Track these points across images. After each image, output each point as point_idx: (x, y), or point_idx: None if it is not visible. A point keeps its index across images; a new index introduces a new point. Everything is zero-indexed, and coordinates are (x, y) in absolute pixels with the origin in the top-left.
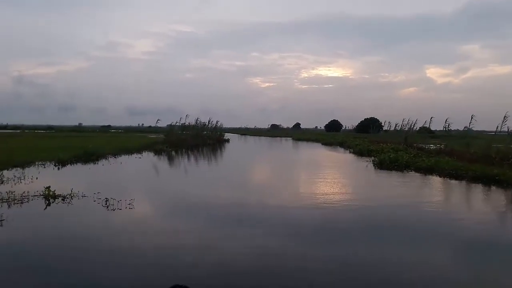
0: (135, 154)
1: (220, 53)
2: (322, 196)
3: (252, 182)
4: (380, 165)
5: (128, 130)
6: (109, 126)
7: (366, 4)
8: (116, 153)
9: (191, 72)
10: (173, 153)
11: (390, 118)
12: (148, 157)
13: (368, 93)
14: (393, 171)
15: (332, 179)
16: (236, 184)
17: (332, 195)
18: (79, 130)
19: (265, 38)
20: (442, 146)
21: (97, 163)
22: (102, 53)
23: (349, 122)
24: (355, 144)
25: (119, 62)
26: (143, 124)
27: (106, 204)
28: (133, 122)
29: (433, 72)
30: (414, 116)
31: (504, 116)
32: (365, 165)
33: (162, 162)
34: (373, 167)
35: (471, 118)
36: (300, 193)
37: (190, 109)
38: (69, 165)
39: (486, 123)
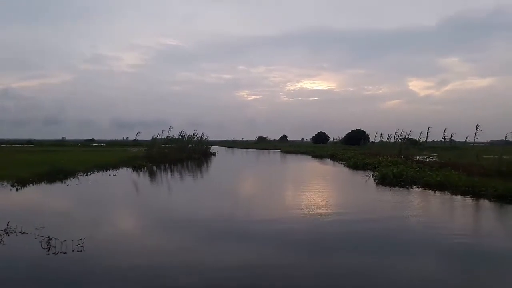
0: (110, 170)
1: (207, 66)
2: (330, 227)
3: (247, 210)
4: (383, 181)
5: (112, 143)
6: (92, 140)
7: (349, 18)
8: (89, 169)
9: (178, 85)
10: (154, 168)
11: (375, 130)
12: (124, 174)
13: (352, 106)
14: (397, 188)
15: (335, 201)
16: (224, 216)
17: (342, 224)
18: (59, 144)
19: (252, 51)
20: (435, 158)
21: (64, 182)
22: (88, 66)
23: (335, 134)
24: (347, 157)
25: (105, 75)
26: (128, 137)
27: (47, 245)
28: (119, 135)
29: (416, 85)
30: (398, 127)
31: None
32: (365, 180)
33: (137, 181)
34: (374, 183)
35: (476, 128)
36: (302, 219)
37: (177, 122)
38: (31, 184)
39: (466, 135)
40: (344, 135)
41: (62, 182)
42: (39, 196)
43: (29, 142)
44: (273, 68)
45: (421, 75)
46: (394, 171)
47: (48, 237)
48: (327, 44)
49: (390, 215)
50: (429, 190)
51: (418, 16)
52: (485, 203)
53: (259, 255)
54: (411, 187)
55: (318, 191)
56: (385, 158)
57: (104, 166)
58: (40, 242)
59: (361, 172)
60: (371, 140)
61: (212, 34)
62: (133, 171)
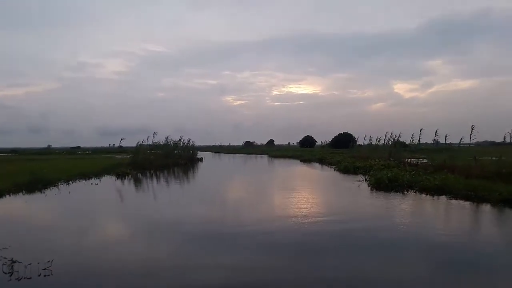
0: (93, 179)
1: (192, 72)
2: (330, 236)
3: (239, 220)
4: (377, 185)
5: (97, 151)
6: (78, 147)
7: (333, 22)
8: (71, 178)
9: (163, 91)
10: (139, 176)
11: (361, 133)
12: (106, 182)
13: (338, 109)
14: (393, 192)
15: (331, 208)
16: (212, 229)
17: (342, 233)
18: (44, 152)
19: (237, 57)
20: (425, 161)
21: (43, 193)
22: (72, 74)
23: (322, 137)
24: (337, 161)
25: (89, 83)
26: (114, 144)
27: (10, 269)
28: (105, 142)
29: (400, 88)
30: (384, 130)
31: None
32: (358, 185)
33: (120, 190)
34: (367, 188)
35: (472, 129)
36: (297, 228)
37: (163, 128)
38: (7, 196)
39: (451, 136)
40: (330, 138)
41: (41, 192)
42: (12, 209)
43: (14, 151)
44: (258, 73)
45: (405, 78)
46: (388, 175)
47: (12, 260)
48: (312, 48)
49: (393, 223)
50: (427, 194)
51: (402, 19)
52: (491, 208)
53: (252, 270)
54: (407, 191)
55: (311, 198)
56: (377, 162)
57: (86, 175)
58: (3, 265)
59: (352, 176)
60: (358, 143)
61: (196, 39)
62: (117, 179)
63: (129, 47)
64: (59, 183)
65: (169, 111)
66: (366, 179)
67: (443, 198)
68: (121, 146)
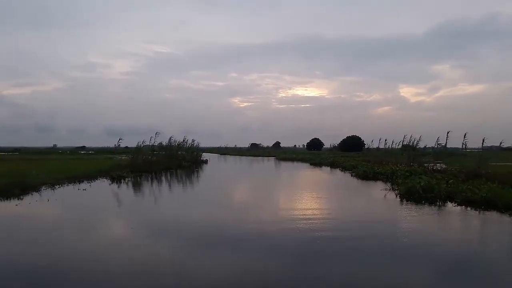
0: (85, 182)
1: (199, 74)
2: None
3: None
4: (409, 196)
5: (101, 151)
6: (83, 147)
7: (341, 26)
8: (60, 181)
9: (170, 92)
10: (137, 179)
11: (367, 136)
12: (98, 187)
13: (344, 112)
14: (426, 205)
15: (369, 231)
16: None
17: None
18: (46, 152)
19: (244, 59)
20: (443, 165)
21: (21, 199)
22: (79, 74)
23: (329, 140)
24: (351, 165)
25: (97, 83)
26: (119, 144)
27: None
28: (111, 143)
29: (407, 91)
30: (390, 133)
31: None
32: (383, 194)
33: (109, 199)
34: (395, 198)
35: None
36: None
37: (170, 129)
38: None
39: (457, 140)
40: (336, 141)
41: (18, 198)
42: None
43: (16, 150)
44: (265, 75)
45: (412, 82)
46: (422, 183)
47: None
48: (319, 51)
49: (464, 248)
50: (473, 209)
51: (409, 24)
52: None
53: None
54: (445, 204)
55: (337, 214)
56: (401, 167)
57: (78, 177)
58: None
59: (373, 183)
60: (366, 146)
61: (203, 41)
62: (111, 183)
63: (137, 48)
64: (43, 188)
65: (176, 112)
66: (393, 188)
67: (496, 214)
68: (126, 147)
